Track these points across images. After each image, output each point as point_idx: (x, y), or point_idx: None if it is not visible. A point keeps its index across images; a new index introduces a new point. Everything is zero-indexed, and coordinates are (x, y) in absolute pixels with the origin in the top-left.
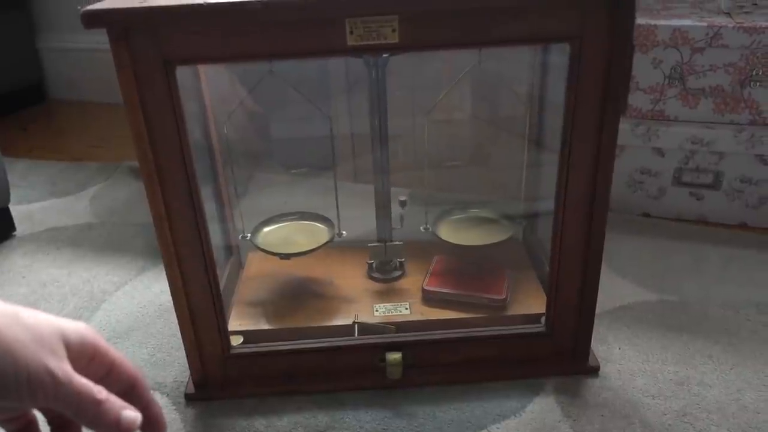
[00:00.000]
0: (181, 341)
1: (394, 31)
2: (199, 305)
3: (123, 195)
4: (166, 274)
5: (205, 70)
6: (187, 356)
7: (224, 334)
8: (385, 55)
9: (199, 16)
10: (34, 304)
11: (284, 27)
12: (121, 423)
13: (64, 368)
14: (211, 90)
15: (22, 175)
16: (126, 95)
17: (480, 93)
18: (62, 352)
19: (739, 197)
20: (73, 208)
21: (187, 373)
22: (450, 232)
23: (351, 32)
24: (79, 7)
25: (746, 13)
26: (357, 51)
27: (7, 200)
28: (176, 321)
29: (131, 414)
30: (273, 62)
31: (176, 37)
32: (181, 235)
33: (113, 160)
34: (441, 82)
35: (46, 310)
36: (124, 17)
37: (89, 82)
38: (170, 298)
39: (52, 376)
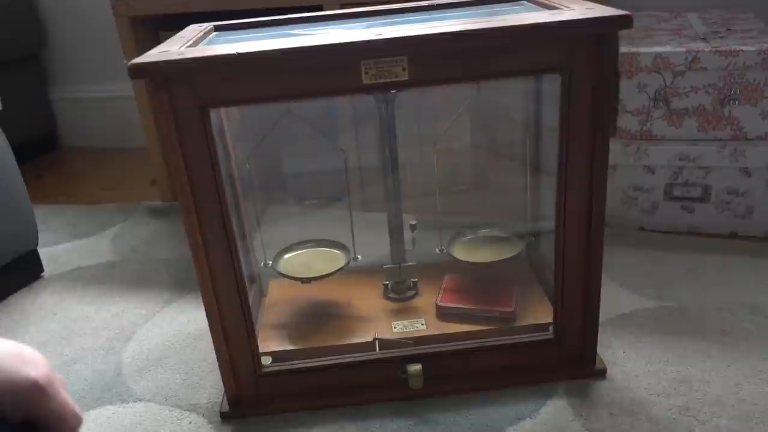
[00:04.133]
0: (210, 366)
1: (404, 69)
2: (232, 328)
3: (142, 233)
4: (203, 298)
5: (227, 110)
6: (222, 376)
7: (256, 354)
8: (393, 92)
9: (231, 65)
10: (67, 339)
11: (306, 71)
12: None
13: (50, 377)
14: (232, 128)
15: (42, 220)
16: (166, 137)
17: (479, 121)
18: (43, 361)
19: (727, 208)
20: (95, 248)
21: (220, 394)
22: (463, 252)
23: (366, 72)
24: (125, 62)
25: (721, 37)
26: (371, 89)
27: (36, 242)
28: (204, 348)
29: None
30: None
31: (210, 84)
32: (215, 262)
33: (129, 201)
34: (442, 113)
35: (79, 343)
36: (165, 68)
37: (99, 130)
38: (197, 327)
39: (36, 385)
